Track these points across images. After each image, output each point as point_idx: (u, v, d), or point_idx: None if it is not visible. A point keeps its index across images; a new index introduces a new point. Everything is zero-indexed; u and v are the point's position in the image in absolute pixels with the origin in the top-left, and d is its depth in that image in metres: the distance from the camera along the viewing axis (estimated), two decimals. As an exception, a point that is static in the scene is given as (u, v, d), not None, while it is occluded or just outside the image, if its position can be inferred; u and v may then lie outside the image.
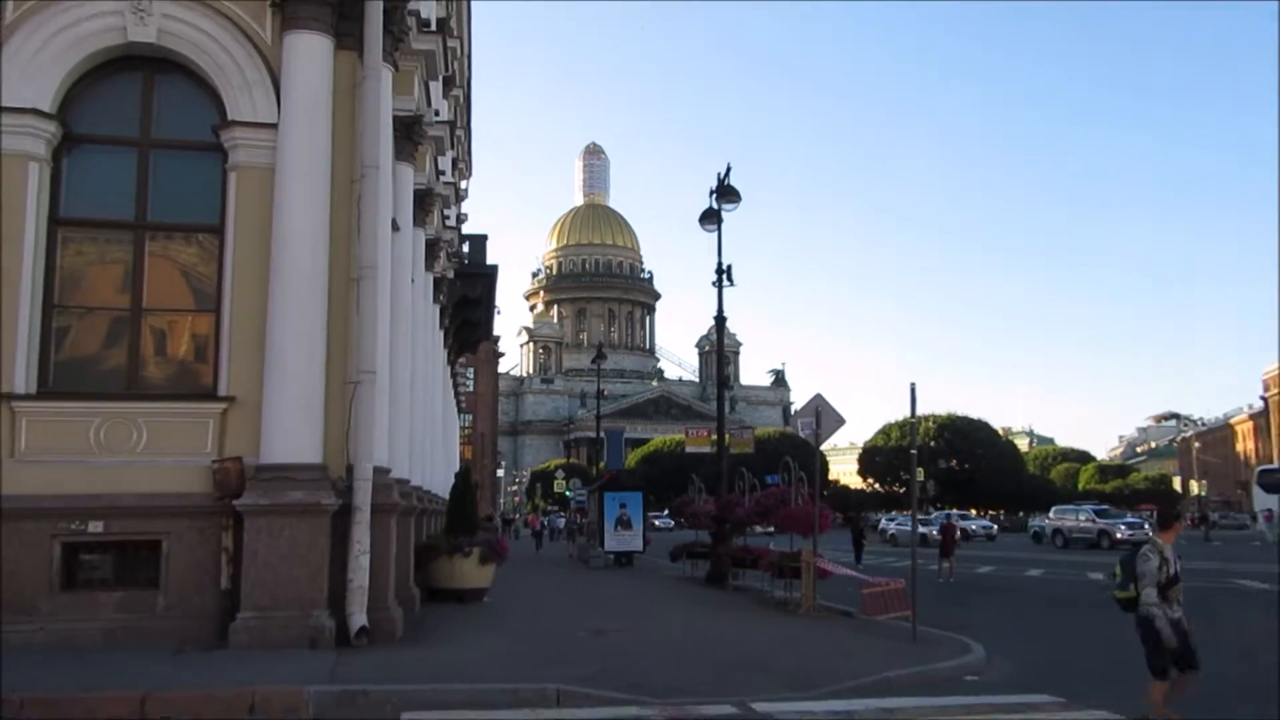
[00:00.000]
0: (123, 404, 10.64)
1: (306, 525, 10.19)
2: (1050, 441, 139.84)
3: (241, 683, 8.04)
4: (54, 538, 10.09)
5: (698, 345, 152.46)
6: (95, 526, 10.20)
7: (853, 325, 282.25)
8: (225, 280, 10.97)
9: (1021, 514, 79.04)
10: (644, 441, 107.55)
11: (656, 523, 55.08)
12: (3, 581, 9.82)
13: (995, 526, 61.22)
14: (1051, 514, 48.12)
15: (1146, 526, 39.09)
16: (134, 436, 10.46)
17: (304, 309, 10.61)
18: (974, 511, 62.01)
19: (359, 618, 10.12)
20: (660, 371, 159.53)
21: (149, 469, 10.40)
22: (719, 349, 22.59)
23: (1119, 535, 39.62)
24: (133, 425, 10.49)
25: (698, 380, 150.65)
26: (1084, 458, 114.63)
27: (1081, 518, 44.06)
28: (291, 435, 10.43)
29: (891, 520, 53.68)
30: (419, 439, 16.84)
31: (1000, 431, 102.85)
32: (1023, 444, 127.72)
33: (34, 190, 10.55)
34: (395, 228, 12.73)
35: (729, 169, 21.16)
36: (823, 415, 15.32)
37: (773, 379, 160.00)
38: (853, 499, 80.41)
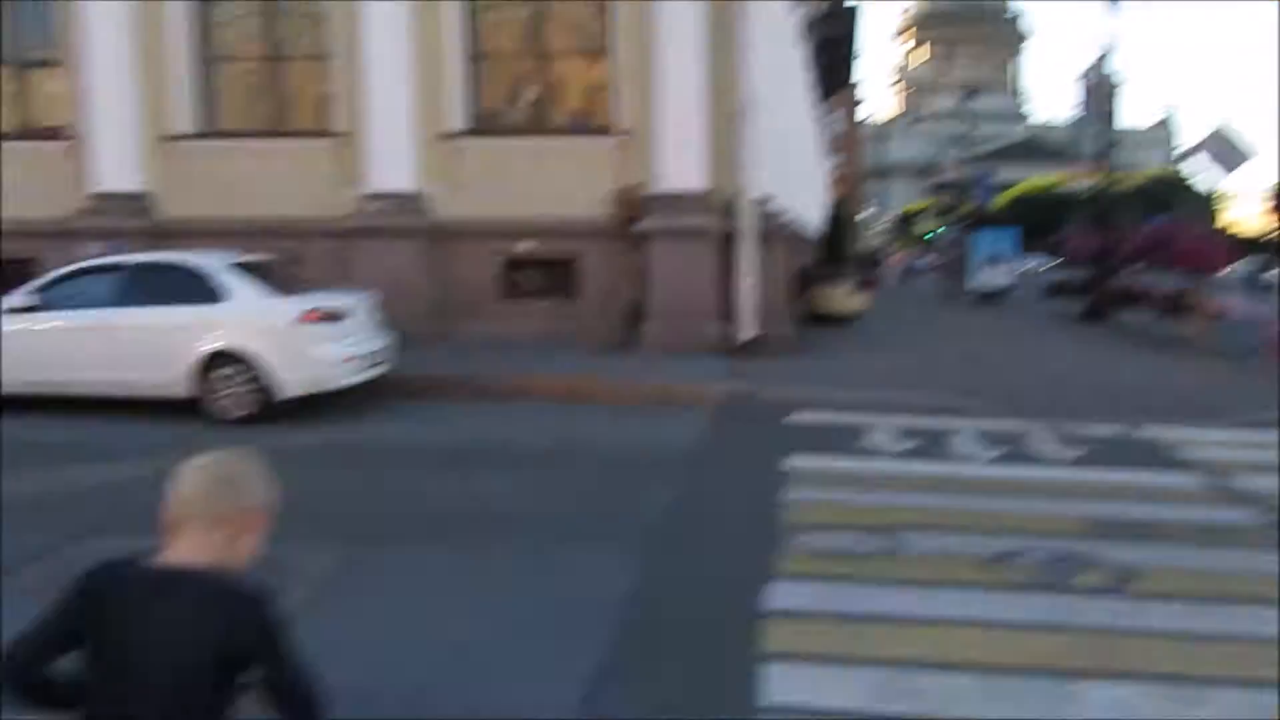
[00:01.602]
0: (535, 139, 11.41)
1: (698, 247, 10.61)
2: None
3: (653, 377, 8.71)
4: (493, 254, 11.27)
5: (1078, 79, 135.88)
6: (524, 245, 11.23)
7: (1254, 59, 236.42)
8: (614, 24, 11.10)
9: None
10: (1011, 185, 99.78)
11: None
12: (457, 290, 11.21)
13: None
14: None
15: None
16: (546, 167, 11.18)
17: (685, 45, 10.58)
18: None
19: (748, 330, 10.50)
20: (1027, 115, 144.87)
21: (561, 197, 11.13)
22: (1101, 80, 19.80)
23: None
24: (543, 158, 11.23)
25: (1070, 122, 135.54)
26: None
27: None
28: (680, 166, 10.74)
29: None
30: (793, 174, 16.55)
31: None
32: None
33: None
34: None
35: None
36: (1223, 150, 13.14)
37: (1157, 121, 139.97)
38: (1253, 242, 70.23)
